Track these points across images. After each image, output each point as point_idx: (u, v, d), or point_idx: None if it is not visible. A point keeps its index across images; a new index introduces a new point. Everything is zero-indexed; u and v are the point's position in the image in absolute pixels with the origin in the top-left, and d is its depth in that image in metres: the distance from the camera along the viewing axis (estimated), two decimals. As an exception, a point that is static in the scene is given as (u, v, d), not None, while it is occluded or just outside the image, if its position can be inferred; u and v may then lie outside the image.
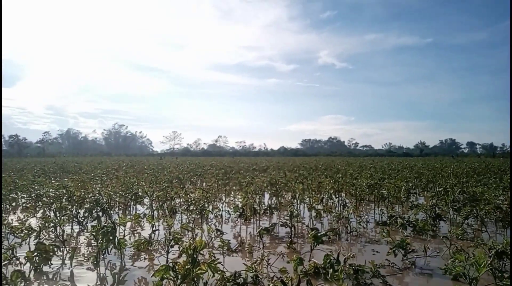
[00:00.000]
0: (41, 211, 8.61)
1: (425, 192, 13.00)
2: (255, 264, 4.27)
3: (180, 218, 8.13)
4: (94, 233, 4.81)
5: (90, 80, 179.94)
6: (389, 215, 7.39)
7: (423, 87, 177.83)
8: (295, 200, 8.70)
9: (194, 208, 7.46)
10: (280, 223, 6.72)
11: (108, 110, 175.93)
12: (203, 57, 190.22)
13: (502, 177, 15.33)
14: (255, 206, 7.54)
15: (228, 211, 8.58)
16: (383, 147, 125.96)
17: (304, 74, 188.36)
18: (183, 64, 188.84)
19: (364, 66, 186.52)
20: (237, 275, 3.97)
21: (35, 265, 4.16)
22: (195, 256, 2.34)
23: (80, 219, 7.06)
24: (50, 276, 4.53)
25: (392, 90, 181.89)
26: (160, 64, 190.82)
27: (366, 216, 7.66)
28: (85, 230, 6.88)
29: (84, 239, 6.41)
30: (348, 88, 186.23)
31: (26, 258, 4.27)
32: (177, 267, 2.34)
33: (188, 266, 2.32)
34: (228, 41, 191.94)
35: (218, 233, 6.54)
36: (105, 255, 5.28)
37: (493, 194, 8.76)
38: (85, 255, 5.41)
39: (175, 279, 2.31)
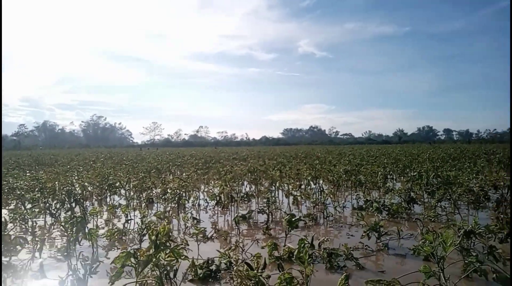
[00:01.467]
0: (13, 203, 8.35)
1: (402, 177, 13.23)
2: (229, 251, 4.23)
3: (157, 208, 8.01)
4: (62, 225, 4.67)
5: (66, 71, 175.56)
6: (365, 199, 7.47)
7: (402, 76, 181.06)
8: (273, 187, 8.70)
9: (171, 197, 7.35)
10: (258, 210, 6.70)
11: (86, 101, 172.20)
12: (183, 46, 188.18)
13: (476, 162, 15.72)
14: (232, 194, 7.49)
15: (206, 199, 8.52)
16: (363, 135, 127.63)
17: (285, 63, 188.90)
18: (163, 54, 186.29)
19: (345, 55, 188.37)
20: (210, 262, 3.93)
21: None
22: (158, 241, 2.27)
23: (52, 210, 6.86)
24: (19, 269, 4.38)
25: (372, 79, 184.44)
26: (139, 54, 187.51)
27: (343, 202, 7.72)
28: (58, 222, 6.70)
29: (57, 231, 6.24)
30: (329, 77, 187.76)
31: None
32: (139, 254, 2.26)
33: (151, 252, 2.24)
34: (208, 30, 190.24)
35: (195, 221, 6.48)
36: (76, 247, 5.15)
37: (466, 178, 8.96)
38: (58, 247, 5.27)
39: (136, 266, 2.24)
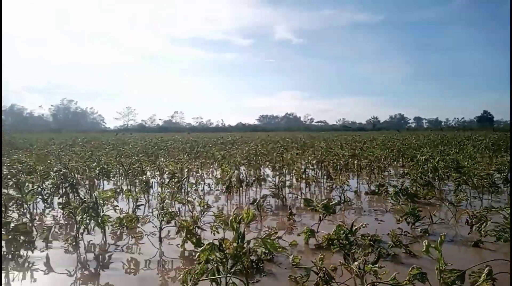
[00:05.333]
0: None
1: (395, 163, 13.18)
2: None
3: (154, 193, 7.49)
4: (71, 210, 4.11)
5: (34, 51, 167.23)
6: (378, 184, 7.21)
7: (374, 63, 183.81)
8: (284, 171, 8.32)
9: (175, 181, 6.84)
10: (271, 194, 6.30)
11: (55, 84, 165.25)
12: (157, 29, 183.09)
13: (463, 148, 15.89)
14: (241, 178, 7.06)
15: (209, 184, 8.07)
16: (337, 122, 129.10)
17: (261, 49, 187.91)
18: (137, 36, 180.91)
19: (320, 42, 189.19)
20: (250, 251, 3.51)
21: (13, 249, 3.42)
22: (240, 231, 1.82)
23: (44, 196, 6.24)
24: (20, 262, 3.82)
25: (345, 66, 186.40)
26: (112, 35, 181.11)
27: (356, 186, 7.44)
28: (50, 208, 6.10)
29: (52, 218, 5.68)
30: (304, 64, 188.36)
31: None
32: (224, 246, 1.80)
33: (238, 244, 1.80)
34: (184, 13, 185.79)
35: (205, 206, 6.02)
36: (82, 235, 4.62)
37: (472, 163, 8.90)
38: (58, 237, 4.71)
39: (223, 260, 1.79)
